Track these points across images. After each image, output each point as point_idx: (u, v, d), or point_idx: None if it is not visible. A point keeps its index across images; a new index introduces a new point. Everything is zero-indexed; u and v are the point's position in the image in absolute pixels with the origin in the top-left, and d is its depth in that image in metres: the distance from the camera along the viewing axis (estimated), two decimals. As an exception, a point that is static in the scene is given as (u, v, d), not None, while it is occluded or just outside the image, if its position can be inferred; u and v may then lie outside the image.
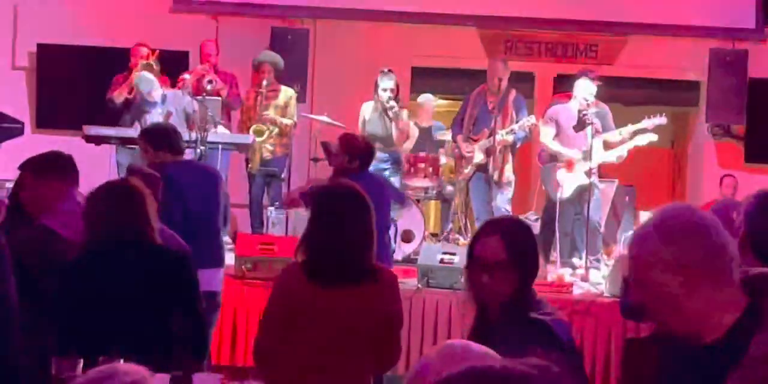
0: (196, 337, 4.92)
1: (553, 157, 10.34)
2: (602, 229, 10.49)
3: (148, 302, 4.68)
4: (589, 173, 10.02)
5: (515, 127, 10.29)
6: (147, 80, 10.39)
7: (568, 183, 10.19)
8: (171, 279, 4.75)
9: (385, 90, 10.62)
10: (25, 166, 5.42)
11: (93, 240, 4.77)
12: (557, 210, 10.31)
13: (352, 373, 4.62)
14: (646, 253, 2.61)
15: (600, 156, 10.14)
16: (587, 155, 10.02)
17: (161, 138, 7.49)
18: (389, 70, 10.80)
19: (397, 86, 10.79)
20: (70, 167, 5.41)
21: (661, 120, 10.24)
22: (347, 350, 4.60)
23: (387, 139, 10.76)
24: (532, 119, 10.34)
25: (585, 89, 10.24)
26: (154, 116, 10.20)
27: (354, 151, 7.96)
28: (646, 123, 10.22)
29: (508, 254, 3.68)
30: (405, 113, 10.88)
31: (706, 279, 2.58)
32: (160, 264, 4.76)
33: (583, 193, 10.09)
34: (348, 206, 4.65)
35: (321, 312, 4.57)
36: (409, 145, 10.99)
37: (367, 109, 10.84)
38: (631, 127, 10.26)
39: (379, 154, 10.52)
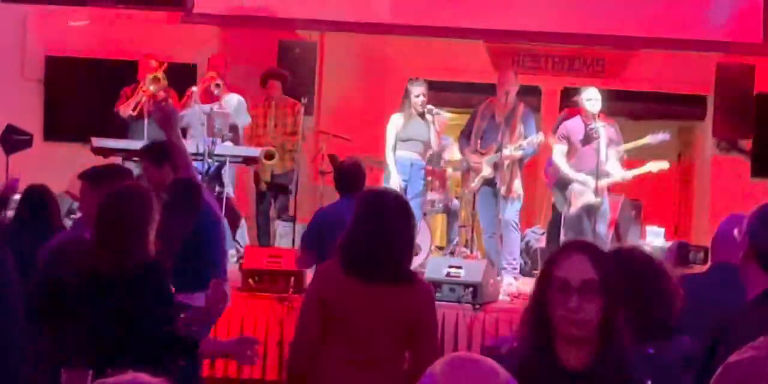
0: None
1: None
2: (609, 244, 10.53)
3: (144, 315, 4.66)
4: (596, 191, 10.05)
5: (524, 143, 10.27)
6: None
7: (577, 199, 10.24)
8: (145, 290, 4.70)
9: (417, 96, 10.59)
10: (82, 176, 5.41)
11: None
12: (563, 223, 10.37)
13: (389, 370, 4.68)
14: None
15: (613, 174, 10.19)
16: (595, 173, 10.08)
17: (163, 154, 7.49)
18: (417, 78, 10.82)
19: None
20: (125, 180, 5.37)
21: (664, 136, 10.28)
22: (384, 348, 4.68)
23: (427, 143, 10.69)
24: (541, 137, 10.31)
25: (590, 95, 10.29)
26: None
27: (336, 173, 7.93)
28: (650, 139, 10.26)
29: (597, 274, 3.13)
30: (446, 115, 10.91)
31: None
32: (140, 277, 4.72)
33: (590, 209, 10.12)
34: (393, 209, 4.76)
35: (357, 308, 4.66)
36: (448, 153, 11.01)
37: (399, 119, 10.71)
38: (632, 144, 10.29)
39: (420, 163, 10.53)
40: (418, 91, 10.55)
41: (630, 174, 10.33)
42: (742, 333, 3.09)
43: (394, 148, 10.45)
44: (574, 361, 3.13)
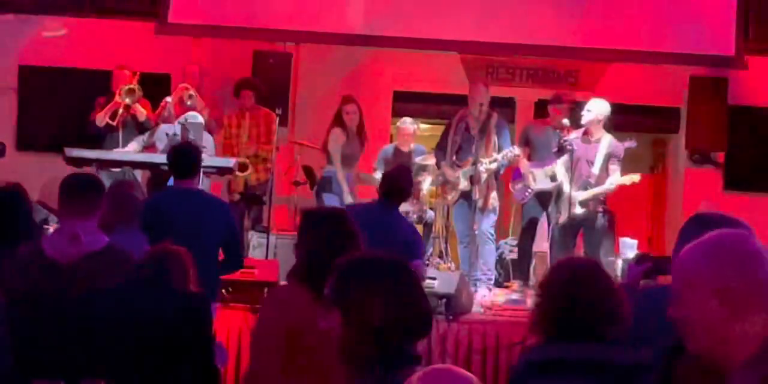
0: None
1: None
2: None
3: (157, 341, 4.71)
4: (588, 206, 10.13)
5: (498, 157, 10.28)
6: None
7: (565, 210, 10.32)
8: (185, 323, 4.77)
9: (347, 113, 10.77)
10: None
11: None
12: (535, 234, 10.51)
13: None
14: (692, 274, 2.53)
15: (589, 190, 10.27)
16: (582, 185, 10.15)
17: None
18: (349, 97, 10.99)
19: (360, 112, 10.91)
20: (82, 192, 5.33)
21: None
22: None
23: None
24: (516, 150, 10.31)
25: (589, 106, 10.43)
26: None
27: (384, 185, 7.86)
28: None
29: None
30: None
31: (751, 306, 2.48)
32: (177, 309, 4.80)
33: (576, 222, 10.20)
34: (350, 229, 4.72)
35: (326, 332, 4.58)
36: None
37: (339, 134, 10.87)
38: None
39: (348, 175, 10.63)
40: (348, 109, 10.71)
41: (603, 188, 10.34)
42: None
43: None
44: None
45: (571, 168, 10.26)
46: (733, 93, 12.62)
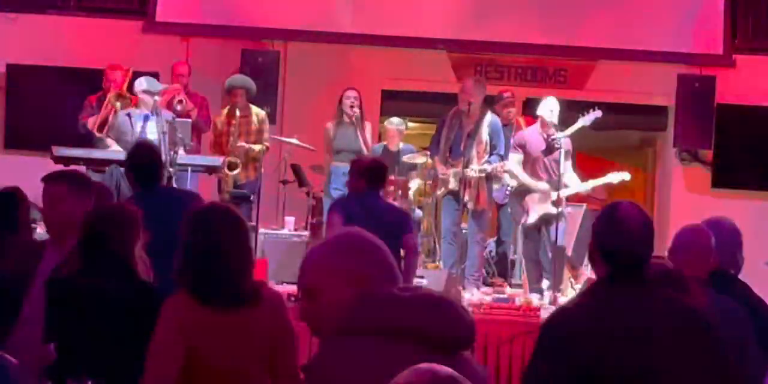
0: None
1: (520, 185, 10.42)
2: (569, 254, 10.56)
3: (122, 330, 4.63)
4: (558, 202, 10.05)
5: (488, 168, 10.16)
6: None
7: (535, 209, 10.24)
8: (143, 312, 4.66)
9: (348, 98, 10.85)
10: (59, 179, 5.22)
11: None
12: (519, 234, 10.49)
13: None
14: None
15: (571, 185, 10.23)
16: (555, 185, 10.08)
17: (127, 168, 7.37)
18: (351, 88, 11.04)
19: (360, 100, 11.02)
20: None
21: (596, 114, 10.32)
22: (253, 369, 4.44)
23: (359, 152, 10.84)
24: (506, 166, 10.20)
25: (549, 105, 10.35)
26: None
27: (358, 170, 7.92)
28: (583, 121, 10.31)
29: None
30: (368, 126, 11.12)
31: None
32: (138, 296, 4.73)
33: (549, 219, 10.13)
34: (227, 229, 4.45)
35: (222, 339, 4.36)
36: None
37: (330, 127, 10.99)
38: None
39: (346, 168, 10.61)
40: (348, 94, 10.83)
41: (589, 185, 10.35)
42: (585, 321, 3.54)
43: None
44: None
45: (534, 166, 10.34)
46: (721, 91, 12.63)
